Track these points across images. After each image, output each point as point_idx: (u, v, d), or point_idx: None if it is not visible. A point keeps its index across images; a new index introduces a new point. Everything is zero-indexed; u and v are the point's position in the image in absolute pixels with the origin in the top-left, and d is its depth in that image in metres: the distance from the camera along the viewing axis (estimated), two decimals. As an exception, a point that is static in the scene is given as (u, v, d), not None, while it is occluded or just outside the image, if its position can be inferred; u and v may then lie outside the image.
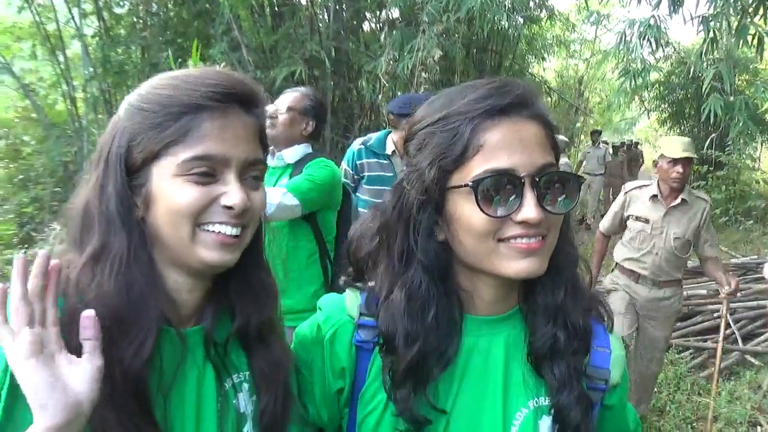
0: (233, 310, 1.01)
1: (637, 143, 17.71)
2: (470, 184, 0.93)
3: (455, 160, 0.95)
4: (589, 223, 12.59)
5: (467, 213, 0.95)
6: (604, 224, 4.27)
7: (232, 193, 0.90)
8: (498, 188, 0.92)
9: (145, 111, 0.90)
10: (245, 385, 1.03)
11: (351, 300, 1.09)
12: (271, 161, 3.05)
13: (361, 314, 1.06)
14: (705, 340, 5.58)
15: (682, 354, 5.41)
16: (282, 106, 2.96)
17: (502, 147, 0.93)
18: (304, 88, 3.17)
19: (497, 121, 0.94)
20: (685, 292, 6.33)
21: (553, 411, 1.04)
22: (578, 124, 22.17)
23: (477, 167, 0.93)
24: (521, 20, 10.39)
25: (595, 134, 13.82)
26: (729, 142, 11.97)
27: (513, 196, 0.93)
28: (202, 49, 8.89)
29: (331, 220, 2.98)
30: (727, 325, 5.53)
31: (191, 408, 0.96)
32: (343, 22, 9.43)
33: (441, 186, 0.97)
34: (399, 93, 8.43)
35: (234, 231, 0.92)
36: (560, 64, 22.42)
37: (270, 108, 2.97)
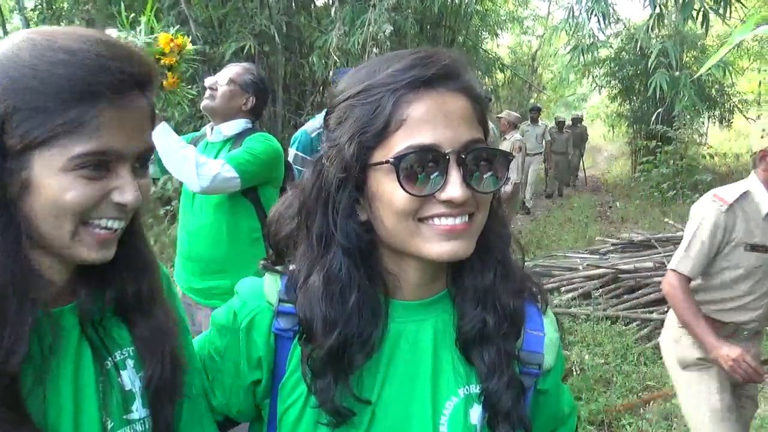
0: (109, 283, 0.93)
1: (581, 119, 17.71)
2: (391, 160, 0.88)
3: (376, 135, 0.89)
4: (528, 206, 12.24)
5: (389, 191, 0.89)
6: (688, 265, 2.65)
7: (126, 189, 0.83)
8: (421, 165, 0.87)
9: (31, 86, 0.78)
10: (129, 362, 0.96)
11: (270, 285, 1.02)
12: (209, 136, 2.99)
13: (280, 300, 1.00)
14: (651, 312, 5.68)
15: (630, 326, 5.51)
16: (222, 78, 2.90)
17: (425, 121, 0.88)
18: (247, 63, 3.11)
19: (421, 93, 0.89)
20: (632, 265, 6.49)
21: (482, 398, 1.00)
22: (532, 100, 22.37)
23: (399, 143, 0.88)
24: (474, -5, 10.39)
25: (534, 111, 13.09)
26: (676, 118, 12.23)
27: (437, 174, 0.88)
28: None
29: (274, 197, 2.91)
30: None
31: (68, 392, 0.87)
32: (295, -5, 9.30)
33: (361, 163, 0.91)
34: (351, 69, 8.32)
35: (120, 225, 0.86)
36: (514, 41, 22.57)
37: (209, 80, 2.92)
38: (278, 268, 1.04)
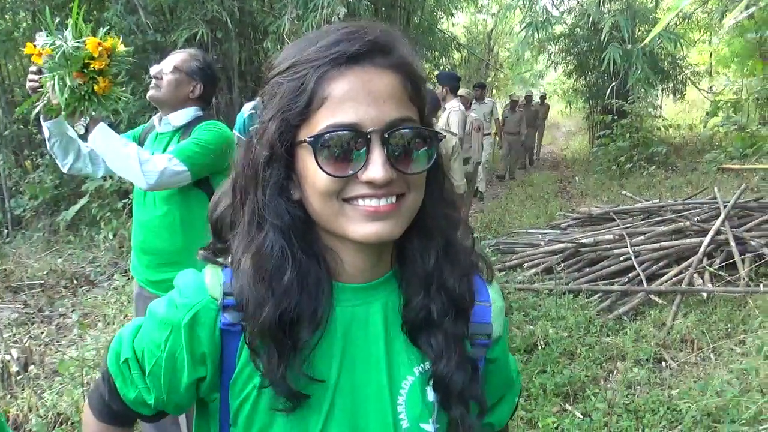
0: None
1: (538, 97, 17.47)
2: (308, 140, 0.86)
3: (300, 114, 0.87)
4: (481, 191, 11.58)
5: (312, 171, 0.87)
6: None
7: None
8: (341, 145, 0.85)
9: None
10: None
11: (212, 278, 0.97)
12: (158, 126, 2.92)
13: (225, 294, 0.95)
14: (612, 284, 5.78)
15: (591, 298, 5.59)
16: (167, 67, 2.81)
17: (347, 99, 0.85)
18: (192, 49, 3.02)
19: (344, 70, 0.86)
20: (592, 239, 6.58)
21: (431, 381, 0.99)
22: (489, 79, 22.43)
23: (321, 121, 0.86)
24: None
25: (478, 88, 11.76)
26: (631, 92, 12.39)
27: (359, 154, 0.86)
28: (96, 14, 8.51)
29: (228, 186, 2.86)
30: (632, 268, 5.77)
31: None
32: (246, -20, 9.12)
33: (288, 141, 0.89)
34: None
35: None
36: (469, 20, 22.56)
37: (154, 69, 2.83)
38: (219, 259, 1.00)
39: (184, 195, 2.76)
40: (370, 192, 0.86)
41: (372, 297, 0.99)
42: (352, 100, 0.85)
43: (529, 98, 16.43)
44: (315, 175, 0.87)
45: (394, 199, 0.88)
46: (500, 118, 13.21)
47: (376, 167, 0.85)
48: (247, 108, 3.69)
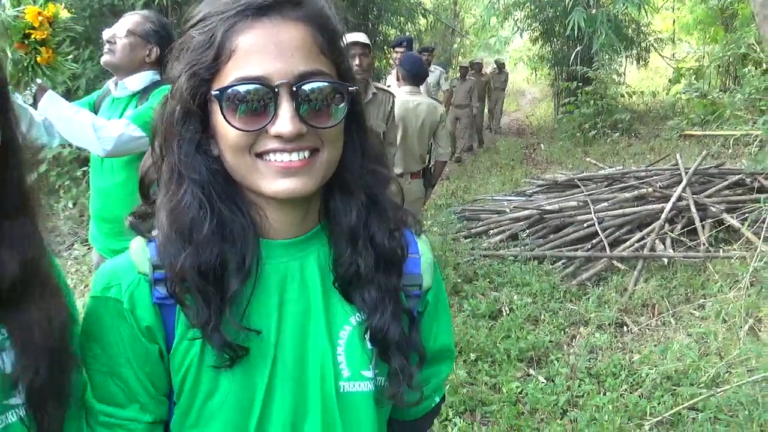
0: None
1: (501, 64, 15.90)
2: (214, 93, 0.84)
3: (209, 67, 0.86)
4: (459, 156, 11.83)
5: (222, 125, 0.86)
6: None
7: None
8: (248, 98, 0.83)
9: None
10: (8, 343, 0.86)
11: (138, 254, 0.94)
12: (114, 91, 2.82)
13: (155, 268, 0.92)
14: (576, 250, 5.84)
15: (555, 264, 5.64)
16: (120, 30, 2.70)
17: (254, 52, 0.84)
18: (146, 11, 2.91)
19: (252, 22, 0.84)
20: (556, 205, 6.62)
21: (368, 334, 0.99)
22: (455, 45, 22.32)
23: (229, 75, 0.84)
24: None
25: (425, 52, 9.60)
26: (595, 58, 12.43)
27: (267, 107, 0.84)
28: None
29: (188, 150, 2.80)
30: (595, 234, 5.83)
31: None
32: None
33: (200, 95, 0.87)
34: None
35: None
36: (435, -16, 22.33)
37: (107, 32, 2.73)
38: (147, 234, 0.96)
39: (136, 163, 2.67)
40: (280, 146, 0.86)
41: (304, 251, 0.99)
42: (258, 52, 0.84)
43: (478, 66, 13.91)
44: (225, 129, 0.86)
45: (306, 154, 0.87)
46: (450, 89, 11.74)
47: (284, 121, 0.84)
48: None
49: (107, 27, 2.80)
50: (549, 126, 16.39)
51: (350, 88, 0.90)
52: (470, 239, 6.47)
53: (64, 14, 2.41)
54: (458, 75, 12.81)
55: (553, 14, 15.62)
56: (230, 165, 0.89)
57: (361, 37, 3.80)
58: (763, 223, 4.13)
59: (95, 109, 2.84)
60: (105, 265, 0.98)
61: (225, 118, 0.84)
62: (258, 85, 0.83)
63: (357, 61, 3.64)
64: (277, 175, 0.87)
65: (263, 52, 0.84)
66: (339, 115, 0.89)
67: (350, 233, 0.96)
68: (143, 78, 2.76)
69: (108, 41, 2.71)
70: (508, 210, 6.94)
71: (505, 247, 6.17)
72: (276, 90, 0.83)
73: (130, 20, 2.75)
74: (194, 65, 0.86)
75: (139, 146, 2.57)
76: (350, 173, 0.96)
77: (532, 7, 16.13)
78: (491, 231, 6.60)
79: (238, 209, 0.92)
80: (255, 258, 0.92)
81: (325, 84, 0.86)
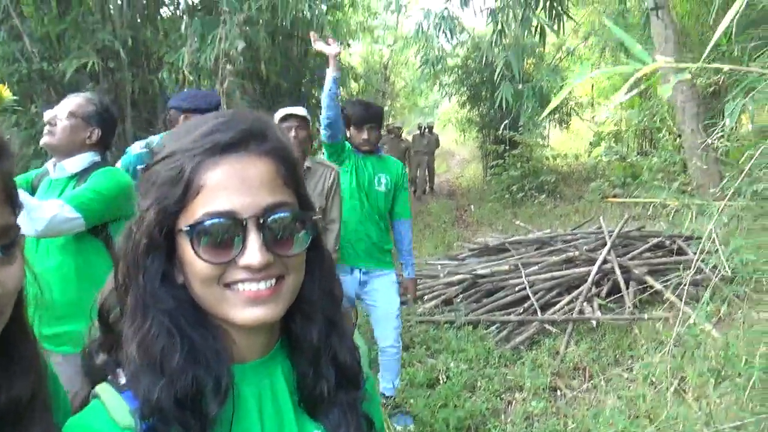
0: None
1: (430, 127, 17.29)
2: (185, 228, 0.88)
3: (177, 202, 0.89)
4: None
5: (190, 258, 0.89)
6: None
7: None
8: (217, 232, 0.87)
9: None
10: None
11: (116, 410, 0.88)
12: (52, 173, 2.79)
13: (142, 418, 0.87)
14: (509, 314, 5.96)
15: (490, 329, 5.74)
16: (62, 112, 2.70)
17: (222, 188, 0.87)
18: (89, 93, 2.92)
19: (218, 159, 0.88)
20: (489, 269, 6.77)
21: None
22: (386, 108, 22.78)
23: (198, 210, 0.88)
24: (324, 7, 10.42)
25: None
26: (521, 125, 12.93)
27: (236, 240, 0.88)
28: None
29: (127, 232, 2.77)
30: (527, 297, 5.98)
31: None
32: (139, 8, 8.88)
33: (167, 229, 0.90)
34: (205, 83, 8.13)
35: None
36: (366, 50, 22.89)
37: (48, 114, 2.71)
38: (119, 382, 0.92)
39: (79, 244, 2.65)
40: (248, 276, 0.88)
41: (270, 368, 1.01)
42: (226, 188, 0.87)
43: (396, 130, 15.22)
44: (194, 262, 0.88)
45: (273, 282, 0.90)
46: None
47: (252, 252, 0.87)
48: (136, 146, 3.50)
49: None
50: (478, 187, 16.80)
51: (313, 217, 0.95)
52: (405, 304, 6.51)
53: (8, 95, 2.39)
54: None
55: (480, 80, 16.20)
56: (198, 295, 0.91)
57: (298, 110, 3.83)
58: (686, 286, 4.33)
59: (32, 189, 2.80)
60: (75, 425, 0.90)
61: (195, 252, 0.87)
62: (227, 220, 0.87)
63: (293, 133, 3.66)
64: (246, 303, 0.89)
65: (230, 188, 0.87)
66: (303, 243, 0.93)
67: (313, 354, 1.00)
68: (83, 160, 2.75)
69: (49, 122, 2.70)
70: (441, 274, 7.04)
71: (440, 312, 6.25)
72: (244, 223, 0.87)
73: (73, 102, 2.75)
74: (162, 200, 0.89)
75: (74, 227, 2.55)
76: (309, 296, 0.99)
77: (460, 73, 16.70)
78: (426, 296, 6.67)
79: (209, 334, 0.93)
80: (230, 380, 0.92)
81: (291, 214, 0.91)
